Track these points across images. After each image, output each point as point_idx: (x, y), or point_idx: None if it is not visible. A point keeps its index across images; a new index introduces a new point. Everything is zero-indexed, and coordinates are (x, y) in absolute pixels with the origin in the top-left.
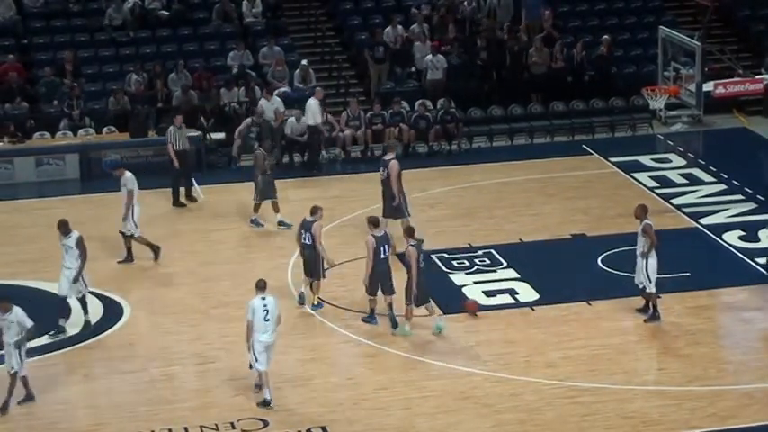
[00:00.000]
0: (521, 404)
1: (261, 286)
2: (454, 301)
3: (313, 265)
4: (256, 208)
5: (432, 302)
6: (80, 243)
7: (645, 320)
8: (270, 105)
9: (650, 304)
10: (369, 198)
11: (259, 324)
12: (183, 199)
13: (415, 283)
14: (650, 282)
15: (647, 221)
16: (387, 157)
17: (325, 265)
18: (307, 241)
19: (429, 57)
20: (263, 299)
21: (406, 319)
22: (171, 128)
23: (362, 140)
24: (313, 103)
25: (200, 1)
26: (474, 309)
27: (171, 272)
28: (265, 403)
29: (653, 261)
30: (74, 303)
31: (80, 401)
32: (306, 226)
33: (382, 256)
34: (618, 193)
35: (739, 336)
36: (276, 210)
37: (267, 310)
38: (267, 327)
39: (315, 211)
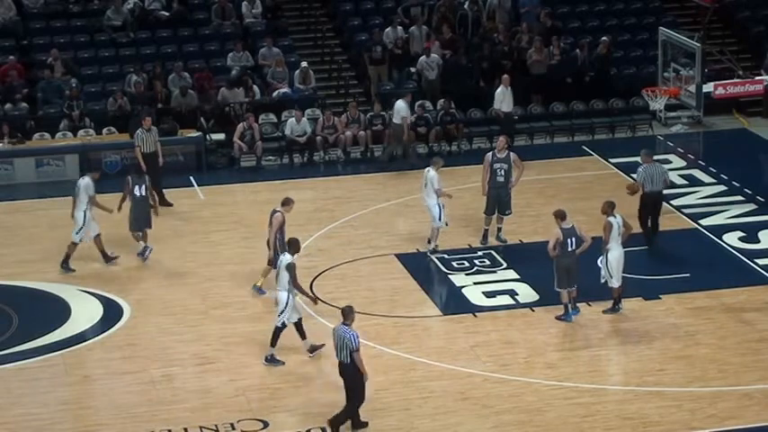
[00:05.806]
0: (521, 405)
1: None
2: (453, 302)
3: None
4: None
5: None
6: None
7: (603, 311)
8: (404, 106)
9: (614, 297)
10: (369, 198)
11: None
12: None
13: None
14: (611, 276)
15: (607, 219)
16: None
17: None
18: None
19: (423, 57)
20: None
21: None
22: (139, 130)
23: (363, 141)
24: (500, 91)
25: (201, 1)
26: None
27: (171, 272)
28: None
29: (612, 256)
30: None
31: (80, 402)
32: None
33: (569, 249)
34: (618, 194)
35: (739, 337)
36: None
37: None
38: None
39: (286, 202)
